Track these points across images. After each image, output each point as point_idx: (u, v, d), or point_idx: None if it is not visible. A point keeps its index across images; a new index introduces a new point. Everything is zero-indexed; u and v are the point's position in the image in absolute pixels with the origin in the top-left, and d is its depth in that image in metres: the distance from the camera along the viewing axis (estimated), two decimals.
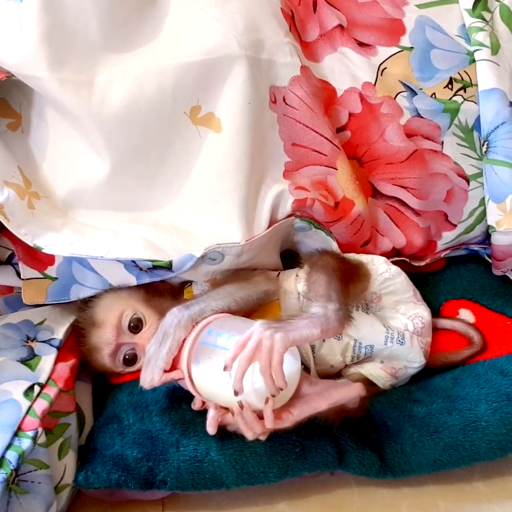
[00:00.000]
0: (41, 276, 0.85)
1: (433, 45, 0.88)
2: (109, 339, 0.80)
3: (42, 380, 0.75)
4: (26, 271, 0.84)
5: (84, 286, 0.84)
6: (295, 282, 0.82)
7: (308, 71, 0.84)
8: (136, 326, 0.81)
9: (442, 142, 0.90)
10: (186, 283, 0.87)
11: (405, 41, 0.89)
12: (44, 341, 0.81)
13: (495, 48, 0.89)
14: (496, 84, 0.87)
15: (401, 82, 0.88)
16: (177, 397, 0.79)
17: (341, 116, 0.88)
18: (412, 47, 0.89)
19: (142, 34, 0.78)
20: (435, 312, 0.90)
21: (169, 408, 0.78)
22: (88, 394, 0.84)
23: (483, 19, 0.90)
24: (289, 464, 0.74)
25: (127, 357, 0.82)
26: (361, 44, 0.89)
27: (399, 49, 0.89)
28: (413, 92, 0.88)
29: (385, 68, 0.88)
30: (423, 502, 0.76)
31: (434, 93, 0.89)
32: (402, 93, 0.88)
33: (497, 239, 0.91)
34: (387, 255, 0.90)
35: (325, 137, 0.84)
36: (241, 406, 0.66)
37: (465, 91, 0.89)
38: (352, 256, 0.85)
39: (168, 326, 0.71)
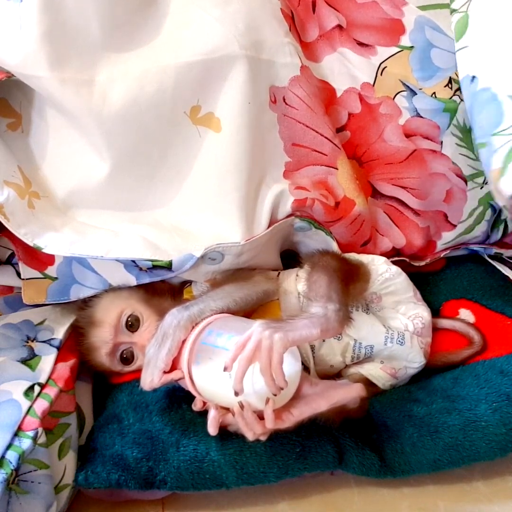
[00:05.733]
0: (41, 276, 0.85)
1: (433, 45, 0.88)
2: (106, 338, 0.80)
3: (42, 380, 0.75)
4: (26, 271, 0.85)
5: (84, 286, 0.84)
6: (295, 282, 0.82)
7: (308, 71, 0.83)
8: (132, 324, 0.81)
9: (441, 142, 0.90)
10: (186, 283, 0.87)
11: (405, 40, 0.88)
12: (44, 341, 0.81)
13: (460, 31, 0.86)
14: (464, 72, 0.85)
15: (401, 82, 0.88)
16: (177, 397, 0.79)
17: (340, 116, 0.88)
18: (412, 46, 0.88)
19: (142, 33, 0.78)
20: (435, 312, 0.90)
21: (169, 408, 0.79)
22: (88, 394, 0.84)
23: (454, 11, 0.89)
24: (289, 464, 0.74)
25: (124, 355, 0.82)
26: (360, 44, 0.89)
27: (399, 49, 0.88)
28: (413, 92, 0.88)
29: (386, 67, 0.88)
30: (423, 502, 0.76)
31: (434, 93, 0.88)
32: (401, 93, 0.88)
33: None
34: (387, 255, 0.90)
35: (325, 137, 0.84)
36: (242, 406, 0.66)
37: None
38: (352, 256, 0.85)
39: (167, 327, 0.71)
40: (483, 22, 0.85)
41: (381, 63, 0.88)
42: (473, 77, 0.84)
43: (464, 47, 0.86)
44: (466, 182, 0.92)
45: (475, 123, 0.85)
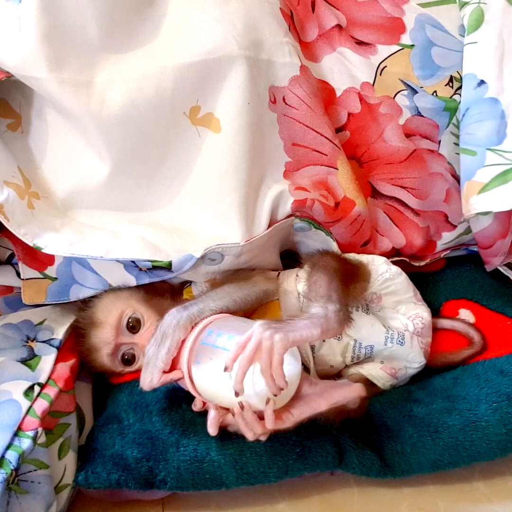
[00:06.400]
0: (41, 276, 0.85)
1: (434, 43, 0.88)
2: (108, 339, 0.80)
3: (42, 380, 0.75)
4: (26, 271, 0.85)
5: (84, 287, 0.84)
6: (295, 282, 0.82)
7: (307, 71, 0.83)
8: (134, 326, 0.81)
9: (439, 141, 0.90)
10: (186, 283, 0.87)
11: (405, 39, 0.88)
12: (44, 341, 0.81)
13: (473, 25, 0.86)
14: (469, 68, 0.86)
15: (401, 81, 0.88)
16: (177, 397, 0.79)
17: (340, 116, 0.88)
18: (413, 45, 0.88)
19: (141, 34, 0.78)
20: (435, 312, 0.90)
21: (169, 408, 0.79)
22: (88, 394, 0.84)
23: (465, 4, 0.88)
24: (289, 464, 0.74)
25: (125, 357, 0.82)
26: (360, 43, 0.89)
27: (399, 47, 0.88)
28: (414, 91, 0.88)
29: (385, 67, 0.88)
30: (423, 502, 0.76)
31: (435, 91, 0.88)
32: (402, 92, 0.88)
33: (475, 227, 0.89)
34: (387, 255, 0.90)
35: (325, 137, 0.84)
36: (242, 406, 0.66)
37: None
38: (352, 256, 0.85)
39: (167, 327, 0.71)
40: (500, 25, 0.85)
41: (380, 63, 0.88)
42: (482, 81, 0.83)
43: (473, 43, 0.85)
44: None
45: (466, 127, 0.85)
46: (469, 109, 0.85)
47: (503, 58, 0.84)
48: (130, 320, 0.81)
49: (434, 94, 0.88)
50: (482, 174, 0.82)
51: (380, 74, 0.88)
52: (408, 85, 0.88)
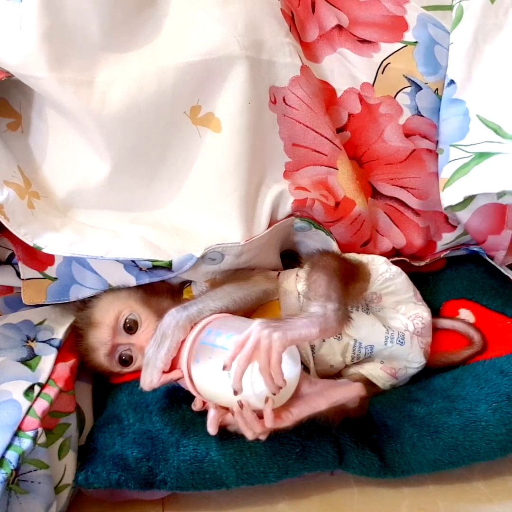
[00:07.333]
0: (41, 276, 0.85)
1: (436, 41, 0.88)
2: (105, 339, 0.80)
3: (42, 380, 0.75)
4: (26, 271, 0.85)
5: (84, 287, 0.84)
6: (295, 282, 0.82)
7: (308, 71, 0.83)
8: (131, 327, 0.81)
9: (437, 141, 0.90)
10: (186, 283, 0.87)
11: (408, 36, 0.89)
12: (44, 341, 0.81)
13: (454, 23, 0.87)
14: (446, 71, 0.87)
15: (406, 77, 0.88)
16: (177, 397, 0.79)
17: (340, 116, 0.88)
18: (416, 42, 0.88)
19: (142, 34, 0.78)
20: (435, 312, 0.90)
21: (169, 408, 0.79)
22: (88, 394, 0.84)
23: (452, 6, 0.89)
24: (289, 464, 0.74)
25: (123, 357, 0.82)
26: (363, 41, 0.89)
27: (403, 45, 0.88)
28: (418, 87, 0.88)
29: (388, 63, 0.88)
30: (423, 502, 0.76)
31: (437, 89, 0.89)
32: (405, 90, 0.88)
33: (461, 219, 0.90)
34: (387, 255, 0.90)
35: (325, 137, 0.84)
36: (241, 405, 0.66)
37: None
38: (352, 256, 0.85)
39: (166, 327, 0.71)
40: (478, 24, 0.86)
41: (383, 60, 0.88)
42: (452, 81, 0.85)
43: (451, 43, 0.87)
44: None
45: (439, 126, 0.87)
46: (441, 109, 0.87)
47: (474, 59, 0.85)
48: (127, 320, 0.81)
49: (436, 91, 0.89)
50: (447, 170, 0.84)
51: (382, 72, 0.88)
52: (413, 81, 0.88)
